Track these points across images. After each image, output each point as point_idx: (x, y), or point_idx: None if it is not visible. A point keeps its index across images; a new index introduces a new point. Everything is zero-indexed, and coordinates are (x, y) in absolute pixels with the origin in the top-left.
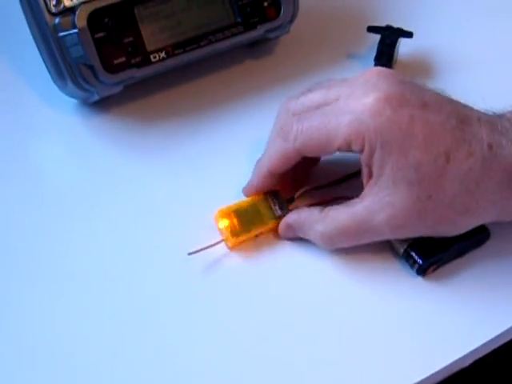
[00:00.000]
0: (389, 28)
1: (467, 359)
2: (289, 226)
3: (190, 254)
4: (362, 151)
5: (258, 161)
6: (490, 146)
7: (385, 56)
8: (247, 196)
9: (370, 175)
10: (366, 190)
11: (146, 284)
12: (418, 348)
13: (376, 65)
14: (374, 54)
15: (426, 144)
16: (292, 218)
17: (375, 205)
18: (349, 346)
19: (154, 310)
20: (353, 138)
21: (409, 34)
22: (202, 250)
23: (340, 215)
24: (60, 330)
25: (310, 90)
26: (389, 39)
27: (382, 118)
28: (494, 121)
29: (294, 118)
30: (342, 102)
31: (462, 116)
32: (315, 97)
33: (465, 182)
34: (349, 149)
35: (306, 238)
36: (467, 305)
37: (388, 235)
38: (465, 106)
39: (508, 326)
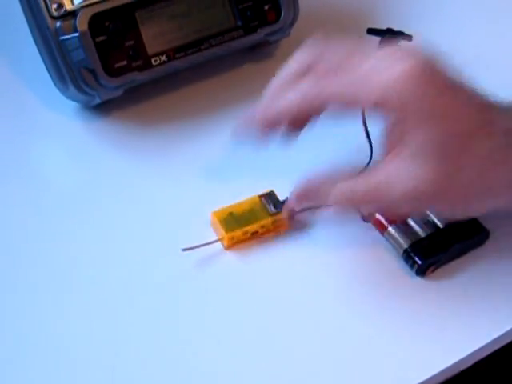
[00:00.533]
0: (389, 31)
1: (468, 360)
2: (300, 196)
3: (184, 249)
4: (387, 119)
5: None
6: (508, 132)
7: None
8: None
9: (393, 146)
10: (388, 159)
11: (148, 283)
12: (418, 349)
13: None
14: None
15: (453, 120)
16: (301, 185)
17: (396, 175)
18: (346, 347)
19: (156, 304)
20: (384, 103)
21: (408, 37)
22: (196, 247)
23: (359, 183)
24: (63, 328)
25: (331, 46)
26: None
27: (416, 84)
28: (510, 109)
29: (314, 79)
30: (371, 69)
31: (481, 98)
32: (337, 54)
33: (484, 162)
34: (375, 113)
35: (320, 203)
36: (467, 305)
37: (404, 207)
38: (481, 91)
39: (509, 326)
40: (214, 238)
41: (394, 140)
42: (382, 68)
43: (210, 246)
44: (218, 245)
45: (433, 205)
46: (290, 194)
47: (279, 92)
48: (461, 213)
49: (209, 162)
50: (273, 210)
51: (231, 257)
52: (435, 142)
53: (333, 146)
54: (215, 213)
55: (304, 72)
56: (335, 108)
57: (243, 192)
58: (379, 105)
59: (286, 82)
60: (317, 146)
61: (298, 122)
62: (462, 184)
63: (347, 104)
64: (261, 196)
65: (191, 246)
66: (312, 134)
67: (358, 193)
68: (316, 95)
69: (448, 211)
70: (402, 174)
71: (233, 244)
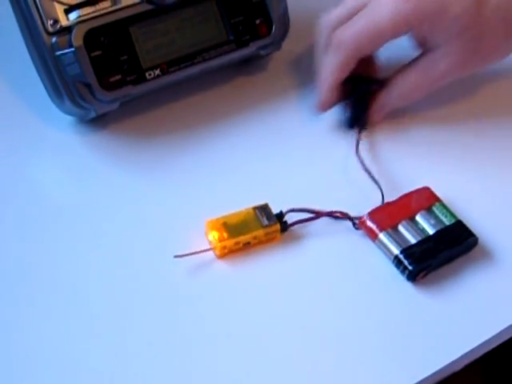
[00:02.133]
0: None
1: (458, 363)
2: (377, 112)
3: (175, 256)
4: (412, 32)
5: (318, 79)
6: None
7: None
8: (322, 111)
9: (426, 49)
10: (423, 53)
11: (141, 289)
12: (409, 353)
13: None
14: None
15: (458, 1)
16: (375, 107)
17: (438, 56)
18: (338, 352)
19: (147, 310)
20: (400, 25)
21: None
22: (188, 254)
23: (407, 72)
24: (59, 338)
25: (339, 5)
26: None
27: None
28: None
29: (337, 30)
30: (374, 1)
31: None
32: (347, 5)
33: (498, 14)
34: (399, 34)
35: (391, 108)
36: (457, 310)
37: (456, 74)
38: None
39: (498, 330)
40: (207, 246)
41: (425, 45)
42: (383, 2)
43: (203, 254)
44: (211, 253)
45: (475, 64)
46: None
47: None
48: (498, 58)
49: (203, 172)
50: (266, 222)
51: (223, 266)
52: (452, 23)
53: (328, 163)
54: (209, 222)
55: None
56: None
57: (239, 203)
58: (400, 29)
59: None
60: (313, 163)
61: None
62: (488, 37)
63: (375, 44)
64: (255, 208)
65: (184, 253)
66: (309, 152)
67: (412, 81)
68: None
69: (487, 62)
70: (440, 56)
71: (225, 253)
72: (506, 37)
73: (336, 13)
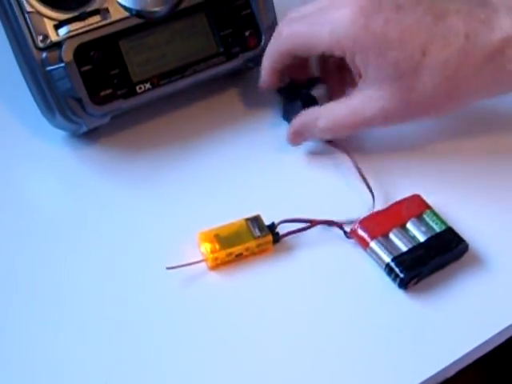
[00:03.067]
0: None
1: (451, 370)
2: (295, 132)
3: (168, 268)
4: (344, 56)
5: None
6: (467, 36)
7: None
8: (263, 89)
9: (360, 75)
10: (359, 86)
11: (133, 301)
12: (401, 360)
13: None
14: None
15: (402, 43)
16: (295, 123)
17: (367, 99)
18: (331, 361)
19: (139, 321)
20: (334, 47)
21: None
22: (180, 266)
23: (337, 108)
24: (52, 349)
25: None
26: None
27: (357, 27)
28: (477, 11)
29: (284, 21)
30: (325, 12)
31: (437, 11)
32: (309, 6)
33: (443, 72)
34: (334, 53)
35: (312, 137)
36: (449, 316)
37: (381, 123)
38: (445, 1)
39: (489, 335)
40: (200, 257)
41: (357, 72)
42: (329, 17)
43: (195, 265)
44: (203, 265)
45: (406, 118)
46: (288, 132)
47: None
48: (437, 115)
49: (194, 184)
50: (258, 233)
51: (215, 277)
52: (390, 67)
53: (321, 175)
54: (201, 233)
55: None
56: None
57: (231, 215)
58: (333, 50)
59: None
60: (304, 173)
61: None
62: (426, 94)
63: (307, 51)
64: (247, 219)
65: (176, 264)
66: (300, 162)
67: (339, 118)
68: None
69: (423, 118)
70: (371, 98)
71: (217, 265)
72: (449, 97)
73: (300, 8)
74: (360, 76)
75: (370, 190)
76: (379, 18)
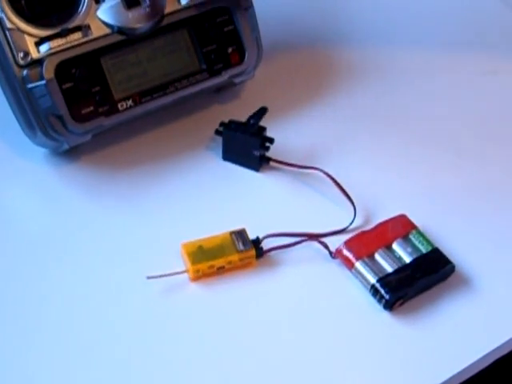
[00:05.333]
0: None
1: None
2: None
3: (148, 277)
4: None
5: None
6: None
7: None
8: None
9: None
10: None
11: (114, 310)
12: (387, 382)
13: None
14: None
15: None
16: None
17: None
18: (314, 380)
19: (119, 331)
20: None
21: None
22: (161, 276)
23: None
24: (33, 360)
25: None
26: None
27: None
28: None
29: None
30: None
31: None
32: None
33: None
34: None
35: None
36: (435, 338)
37: None
38: None
39: (476, 358)
40: (183, 268)
41: None
42: None
43: (177, 276)
44: (185, 276)
45: None
46: None
47: None
48: None
49: (181, 199)
50: (241, 247)
51: (195, 289)
52: None
53: (306, 189)
54: (185, 245)
55: None
56: None
57: (217, 228)
58: None
59: None
60: (290, 188)
61: None
62: None
63: None
64: (232, 233)
65: (157, 274)
66: (287, 180)
67: None
68: None
69: None
70: None
71: (198, 276)
72: None
73: None
74: None
75: (352, 203)
76: None
